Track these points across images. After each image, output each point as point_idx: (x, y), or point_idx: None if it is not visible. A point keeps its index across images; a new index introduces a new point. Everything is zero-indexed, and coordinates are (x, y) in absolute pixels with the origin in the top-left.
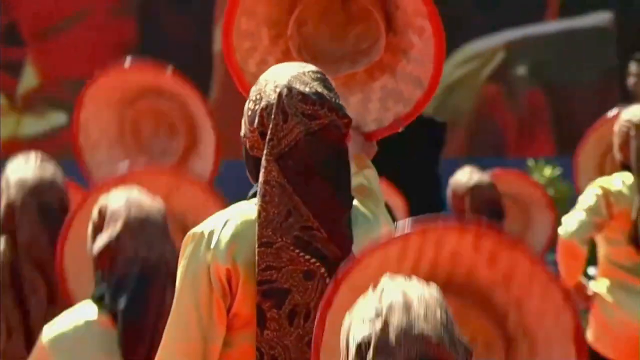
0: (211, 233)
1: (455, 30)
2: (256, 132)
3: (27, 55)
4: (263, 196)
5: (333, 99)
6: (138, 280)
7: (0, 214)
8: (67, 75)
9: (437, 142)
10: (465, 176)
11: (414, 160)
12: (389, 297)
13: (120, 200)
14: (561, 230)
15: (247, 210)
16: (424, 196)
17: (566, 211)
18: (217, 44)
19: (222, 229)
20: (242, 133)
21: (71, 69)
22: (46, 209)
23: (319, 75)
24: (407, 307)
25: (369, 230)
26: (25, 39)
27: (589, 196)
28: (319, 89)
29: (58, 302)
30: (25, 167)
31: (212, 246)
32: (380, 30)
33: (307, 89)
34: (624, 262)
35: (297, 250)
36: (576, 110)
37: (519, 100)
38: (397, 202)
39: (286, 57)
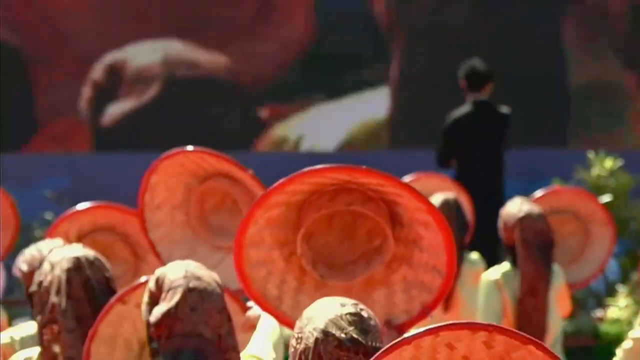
0: None
1: None
2: None
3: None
4: None
5: (370, 343)
6: (194, 356)
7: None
8: None
9: (502, 132)
10: (515, 207)
11: (482, 148)
12: None
13: (179, 271)
14: None
15: None
16: (488, 187)
17: (627, 202)
18: None
19: None
20: None
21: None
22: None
23: (356, 318)
24: None
25: None
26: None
27: None
28: (355, 334)
29: None
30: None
31: None
32: (386, 233)
33: (342, 335)
34: None
35: None
36: None
37: None
38: (463, 198)
39: (303, 273)
